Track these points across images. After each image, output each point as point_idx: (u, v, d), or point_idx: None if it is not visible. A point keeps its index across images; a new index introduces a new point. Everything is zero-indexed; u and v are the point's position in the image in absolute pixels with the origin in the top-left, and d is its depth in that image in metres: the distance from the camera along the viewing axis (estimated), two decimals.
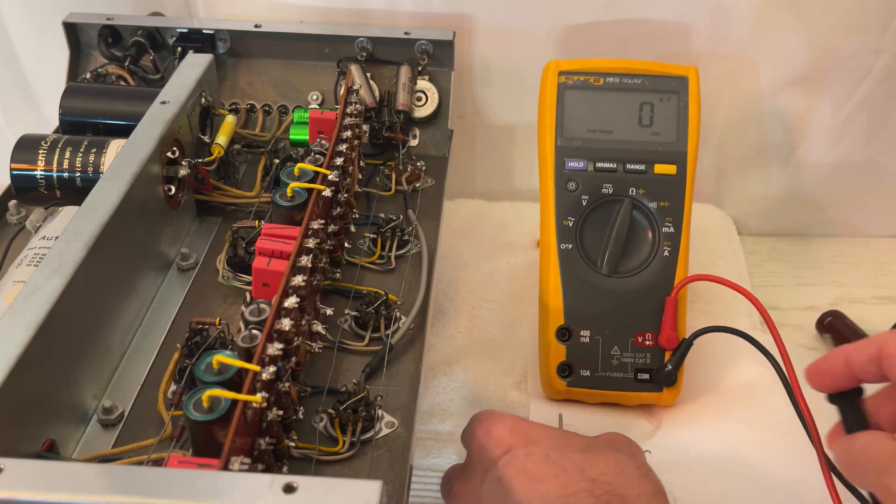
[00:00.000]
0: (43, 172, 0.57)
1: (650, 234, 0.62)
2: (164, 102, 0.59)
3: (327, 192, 0.52)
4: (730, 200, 0.86)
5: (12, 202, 0.63)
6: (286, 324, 0.43)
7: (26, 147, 0.57)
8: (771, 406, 0.59)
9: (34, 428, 0.42)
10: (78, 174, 0.57)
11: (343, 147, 0.57)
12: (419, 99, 0.72)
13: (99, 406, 0.47)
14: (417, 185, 0.68)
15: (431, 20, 0.77)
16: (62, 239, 0.46)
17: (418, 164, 0.69)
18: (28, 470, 0.33)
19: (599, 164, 0.63)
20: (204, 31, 0.72)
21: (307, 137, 0.64)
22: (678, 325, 0.60)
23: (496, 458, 0.45)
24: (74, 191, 0.57)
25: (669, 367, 0.60)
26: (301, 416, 0.46)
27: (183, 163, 0.58)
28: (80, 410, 0.46)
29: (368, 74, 0.71)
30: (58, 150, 0.57)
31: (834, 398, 0.44)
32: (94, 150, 0.57)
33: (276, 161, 0.64)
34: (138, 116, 0.57)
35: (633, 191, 0.62)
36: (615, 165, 0.63)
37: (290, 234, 0.49)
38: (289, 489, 0.32)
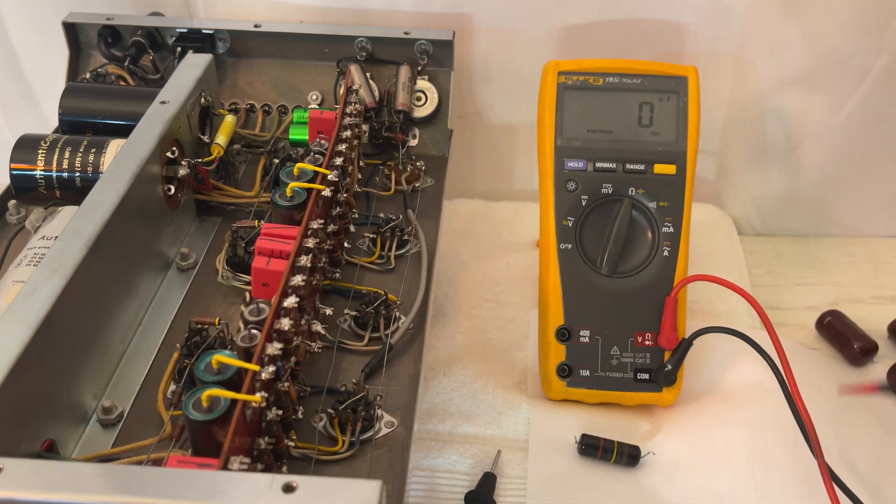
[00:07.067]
0: (43, 172, 0.57)
1: (650, 234, 0.62)
2: (163, 102, 0.59)
3: (327, 192, 0.52)
4: (730, 200, 0.86)
5: (12, 202, 0.63)
6: (286, 323, 0.43)
7: (26, 147, 0.57)
8: (771, 406, 0.59)
9: (34, 428, 0.42)
10: (77, 174, 0.57)
11: (343, 147, 0.57)
12: (419, 99, 0.72)
13: (98, 406, 0.47)
14: (417, 185, 0.68)
15: (431, 20, 0.77)
16: (62, 239, 0.46)
17: (418, 164, 0.69)
18: (28, 470, 0.33)
19: (599, 164, 0.63)
20: (204, 31, 0.72)
21: (307, 137, 0.64)
22: (678, 325, 0.60)
23: None
24: (74, 191, 0.57)
25: (669, 367, 0.60)
26: (301, 416, 0.46)
27: (182, 163, 0.58)
28: (79, 410, 0.46)
29: (368, 74, 0.71)
30: (57, 149, 0.57)
31: None
32: (93, 150, 0.57)
33: (276, 161, 0.65)
34: (138, 116, 0.57)
35: (632, 191, 0.62)
36: (615, 165, 0.63)
37: (290, 233, 0.49)
38: (288, 489, 0.32)
